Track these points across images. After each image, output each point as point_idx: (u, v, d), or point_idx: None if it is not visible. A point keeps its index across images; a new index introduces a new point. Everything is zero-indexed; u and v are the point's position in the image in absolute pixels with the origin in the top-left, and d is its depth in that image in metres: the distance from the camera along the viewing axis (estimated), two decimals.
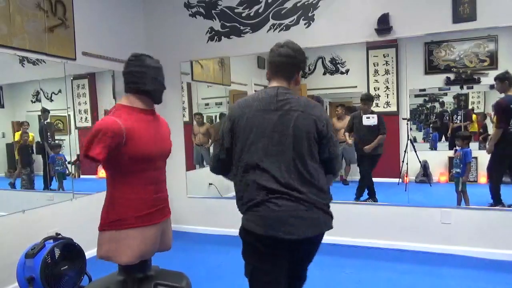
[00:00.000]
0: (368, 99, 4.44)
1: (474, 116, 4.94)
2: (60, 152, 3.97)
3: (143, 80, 1.93)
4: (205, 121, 5.54)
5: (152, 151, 1.96)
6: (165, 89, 2.07)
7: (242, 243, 1.67)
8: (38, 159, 3.86)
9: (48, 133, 3.95)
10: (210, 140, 5.59)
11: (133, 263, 1.93)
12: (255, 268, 1.63)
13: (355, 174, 5.32)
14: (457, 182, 3.99)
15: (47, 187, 3.77)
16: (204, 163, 5.52)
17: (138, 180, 1.93)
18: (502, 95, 3.72)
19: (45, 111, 3.78)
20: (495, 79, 3.75)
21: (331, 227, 1.64)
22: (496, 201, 3.63)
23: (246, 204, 1.60)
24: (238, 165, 1.65)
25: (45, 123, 3.86)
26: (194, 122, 5.26)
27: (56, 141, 4.01)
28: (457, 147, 4.16)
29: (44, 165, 3.88)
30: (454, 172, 4.09)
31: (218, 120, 5.91)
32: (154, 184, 1.99)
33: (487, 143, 4.21)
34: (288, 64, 1.67)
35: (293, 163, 1.56)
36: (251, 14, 4.10)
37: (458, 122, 5.00)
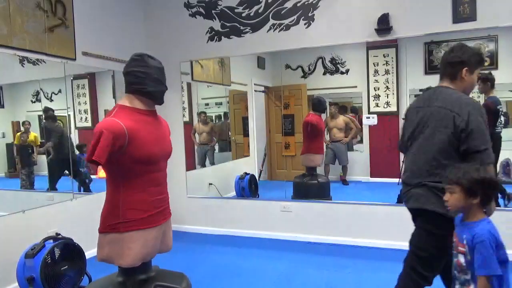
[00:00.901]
0: None
1: None
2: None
3: (146, 81, 1.90)
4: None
5: (155, 153, 1.94)
6: (167, 90, 2.05)
7: None
8: (39, 159, 3.86)
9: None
10: (214, 139, 5.56)
11: (135, 266, 1.92)
12: None
13: (350, 174, 5.34)
14: None
15: (52, 187, 3.76)
16: (207, 163, 5.49)
17: (141, 182, 1.91)
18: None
19: (48, 110, 3.76)
20: (478, 79, 3.80)
21: (435, 207, 1.84)
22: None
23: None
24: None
25: (49, 122, 3.84)
26: (196, 121, 5.25)
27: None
28: None
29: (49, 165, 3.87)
30: None
31: (218, 119, 5.92)
32: (156, 185, 1.98)
33: None
34: (448, 63, 1.95)
35: (424, 150, 1.90)
36: (251, 14, 4.09)
37: None
